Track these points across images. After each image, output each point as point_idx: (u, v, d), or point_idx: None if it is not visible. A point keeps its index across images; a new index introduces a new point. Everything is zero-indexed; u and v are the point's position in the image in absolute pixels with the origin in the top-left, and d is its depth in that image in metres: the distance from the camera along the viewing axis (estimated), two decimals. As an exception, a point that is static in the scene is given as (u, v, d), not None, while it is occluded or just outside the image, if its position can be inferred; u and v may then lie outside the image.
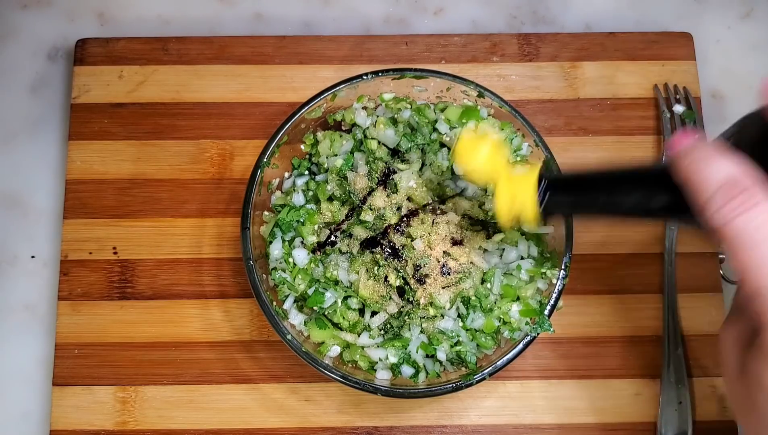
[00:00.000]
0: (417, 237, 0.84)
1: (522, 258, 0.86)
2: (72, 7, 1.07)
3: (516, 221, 0.75)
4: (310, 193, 0.89)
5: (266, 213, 0.90)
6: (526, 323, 0.84)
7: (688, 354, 0.94)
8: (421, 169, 0.87)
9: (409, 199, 0.87)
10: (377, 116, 0.90)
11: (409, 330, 0.84)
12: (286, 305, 0.86)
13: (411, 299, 0.84)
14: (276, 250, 0.87)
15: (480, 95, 0.89)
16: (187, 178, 0.99)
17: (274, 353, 0.94)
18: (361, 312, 0.86)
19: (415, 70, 0.89)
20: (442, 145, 0.89)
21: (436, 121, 0.89)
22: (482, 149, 0.76)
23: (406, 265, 0.84)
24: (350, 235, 0.86)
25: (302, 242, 0.87)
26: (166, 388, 0.93)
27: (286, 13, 1.08)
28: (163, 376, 0.93)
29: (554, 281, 0.84)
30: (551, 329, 0.83)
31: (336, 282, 0.85)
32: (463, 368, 0.85)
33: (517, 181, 0.74)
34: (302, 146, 0.92)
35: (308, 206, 0.88)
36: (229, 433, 0.92)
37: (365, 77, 0.89)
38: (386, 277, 0.84)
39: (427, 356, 0.85)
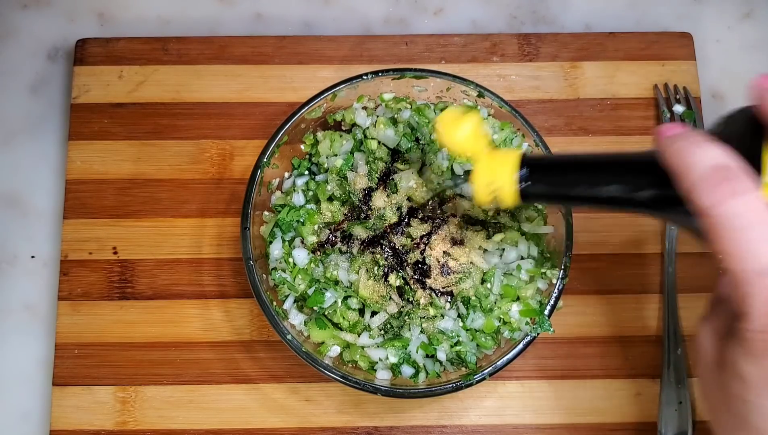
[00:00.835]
0: (417, 237, 0.84)
1: (522, 258, 0.86)
2: (72, 7, 1.07)
3: (493, 201, 0.73)
4: (310, 193, 0.89)
5: (266, 213, 0.90)
6: (526, 323, 0.84)
7: (688, 354, 0.94)
8: (421, 169, 0.87)
9: (409, 199, 0.87)
10: (377, 116, 0.90)
11: (409, 330, 0.84)
12: (286, 305, 0.86)
13: (411, 299, 0.84)
14: (276, 250, 0.87)
15: (480, 95, 0.89)
16: (187, 178, 0.99)
17: (274, 353, 0.94)
18: (361, 312, 0.86)
19: (415, 70, 0.89)
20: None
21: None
22: (464, 125, 0.75)
23: (406, 265, 0.84)
24: (350, 235, 0.86)
25: (302, 242, 0.87)
26: (166, 388, 0.93)
27: (286, 13, 1.08)
28: (163, 376, 0.93)
29: (554, 281, 0.84)
30: (551, 329, 0.83)
31: (336, 282, 0.85)
32: (463, 368, 0.85)
33: (497, 160, 0.72)
34: (302, 146, 0.92)
35: (308, 206, 0.88)
36: (229, 433, 0.92)
37: (365, 77, 0.89)
38: (386, 277, 0.84)
39: (427, 356, 0.85)
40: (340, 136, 0.90)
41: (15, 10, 1.07)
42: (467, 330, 0.85)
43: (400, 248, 0.85)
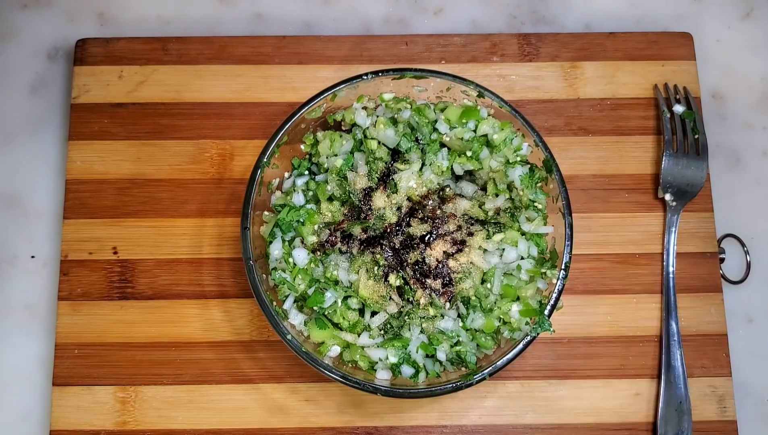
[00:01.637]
0: (417, 237, 0.84)
1: (522, 258, 0.86)
2: (72, 7, 1.07)
3: None
4: (310, 193, 0.89)
5: (266, 213, 0.90)
6: (526, 323, 0.84)
7: (688, 354, 0.94)
8: (421, 169, 0.87)
9: (409, 199, 0.87)
10: (377, 116, 0.90)
11: (409, 330, 0.84)
12: (286, 305, 0.86)
13: (411, 299, 0.84)
14: (276, 250, 0.87)
15: (480, 95, 0.89)
16: (187, 178, 0.99)
17: (274, 353, 0.94)
18: (361, 312, 0.86)
19: (415, 70, 0.89)
20: (442, 145, 0.89)
21: (436, 121, 0.89)
22: None
23: (406, 265, 0.84)
24: (350, 235, 0.86)
25: (302, 242, 0.87)
26: (166, 388, 0.93)
27: (286, 13, 1.08)
28: (163, 376, 0.93)
29: (554, 281, 0.84)
30: (551, 329, 0.83)
31: (336, 282, 0.85)
32: (463, 368, 0.85)
33: None
34: (302, 146, 0.92)
35: (308, 206, 0.88)
36: (229, 433, 0.92)
37: (365, 77, 0.89)
38: (386, 277, 0.84)
39: (427, 356, 0.85)
40: (340, 136, 0.90)
41: (15, 10, 1.07)
42: (467, 330, 0.85)
43: (400, 248, 0.85)
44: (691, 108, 1.00)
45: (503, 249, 0.86)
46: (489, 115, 0.90)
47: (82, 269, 0.96)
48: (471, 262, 0.84)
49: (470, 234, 0.86)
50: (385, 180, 0.87)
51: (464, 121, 0.88)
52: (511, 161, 0.87)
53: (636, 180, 0.99)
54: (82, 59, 1.02)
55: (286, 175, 0.92)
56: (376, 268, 0.84)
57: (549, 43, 1.04)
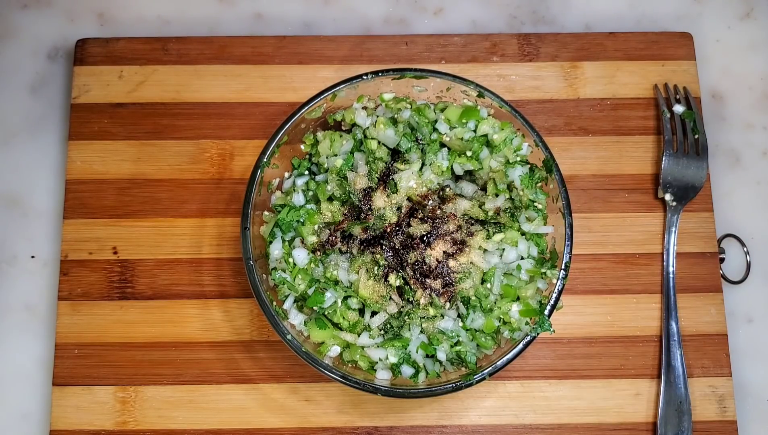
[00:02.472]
0: (417, 237, 0.84)
1: (522, 258, 0.86)
2: (72, 7, 1.07)
3: None
4: (310, 193, 0.89)
5: (266, 213, 0.90)
6: (526, 323, 0.84)
7: (688, 354, 0.94)
8: (421, 169, 0.87)
9: (409, 199, 0.87)
10: (377, 116, 0.90)
11: (409, 330, 0.84)
12: (286, 305, 0.86)
13: (411, 299, 0.84)
14: (276, 250, 0.87)
15: (480, 95, 0.89)
16: (187, 178, 0.99)
17: (274, 353, 0.94)
18: (361, 312, 0.86)
19: (415, 70, 0.89)
20: (442, 145, 0.89)
21: (436, 121, 0.89)
22: None
23: (406, 265, 0.84)
24: (350, 235, 0.86)
25: (302, 242, 0.87)
26: (166, 388, 0.93)
27: (286, 13, 1.08)
28: (163, 376, 0.93)
29: (554, 281, 0.84)
30: (551, 329, 0.83)
31: (336, 282, 0.85)
32: (463, 368, 0.85)
33: None
34: (302, 146, 0.92)
35: (308, 206, 0.88)
36: (229, 433, 0.92)
37: (365, 77, 0.89)
38: (386, 277, 0.84)
39: (427, 356, 0.85)
40: (340, 136, 0.90)
41: (15, 10, 1.07)
42: (467, 330, 0.84)
43: (400, 248, 0.85)
44: (691, 108, 1.00)
45: (503, 249, 0.86)
46: (489, 115, 0.90)
47: (82, 269, 0.96)
48: (471, 262, 0.84)
49: (470, 234, 0.86)
50: (385, 180, 0.87)
51: (464, 121, 0.88)
52: (511, 161, 0.87)
53: (636, 180, 0.99)
54: (82, 59, 1.02)
55: (286, 175, 0.92)
56: (376, 268, 0.84)
57: (549, 43, 1.04)
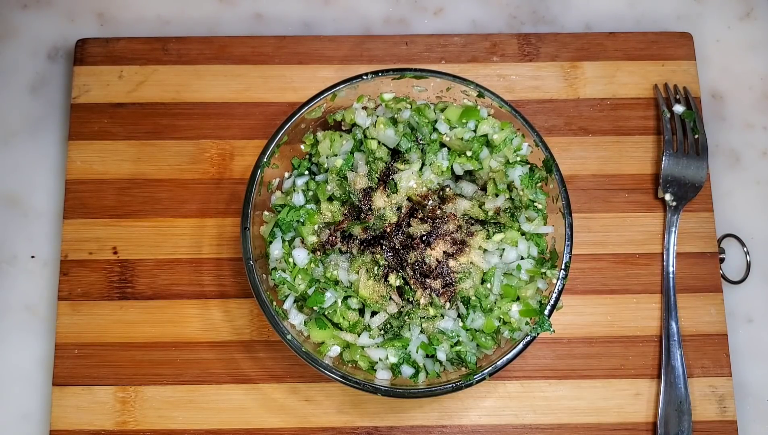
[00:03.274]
0: (417, 237, 0.84)
1: (522, 258, 0.86)
2: (72, 7, 1.07)
3: None
4: (310, 193, 0.89)
5: (266, 213, 0.90)
6: (526, 323, 0.84)
7: (688, 354, 0.94)
8: (421, 169, 0.87)
9: (409, 199, 0.87)
10: (377, 116, 0.90)
11: (409, 330, 0.84)
12: (286, 305, 0.86)
13: (411, 299, 0.84)
14: (276, 250, 0.87)
15: (480, 95, 0.89)
16: (187, 178, 0.99)
17: (274, 353, 0.94)
18: (361, 312, 0.86)
19: (415, 70, 0.89)
20: (442, 145, 0.89)
21: (436, 121, 0.89)
22: None
23: (406, 265, 0.84)
24: (350, 235, 0.86)
25: (302, 242, 0.87)
26: (166, 388, 0.93)
27: (286, 13, 1.08)
28: (163, 376, 0.93)
29: (554, 281, 0.84)
30: (551, 329, 0.83)
31: (336, 282, 0.85)
32: (463, 368, 0.85)
33: None
34: (302, 146, 0.92)
35: (308, 206, 0.88)
36: (229, 433, 0.92)
37: (365, 77, 0.89)
38: (386, 277, 0.84)
39: (427, 356, 0.85)
40: (340, 136, 0.90)
41: (15, 10, 1.07)
42: (467, 330, 0.84)
43: (400, 248, 0.85)
44: (691, 108, 1.00)
45: (503, 249, 0.86)
46: (489, 115, 0.90)
47: (82, 269, 0.96)
48: (471, 262, 0.84)
49: (470, 234, 0.86)
50: (385, 180, 0.87)
51: (464, 121, 0.88)
52: (511, 161, 0.87)
53: (636, 180, 0.99)
54: (82, 59, 1.02)
55: (286, 175, 0.92)
56: (376, 268, 0.84)
57: (549, 43, 1.04)
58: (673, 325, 0.94)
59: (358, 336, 0.85)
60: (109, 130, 1.00)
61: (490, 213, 0.86)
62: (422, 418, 0.93)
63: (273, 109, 1.01)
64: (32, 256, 0.99)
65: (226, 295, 0.96)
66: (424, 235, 0.84)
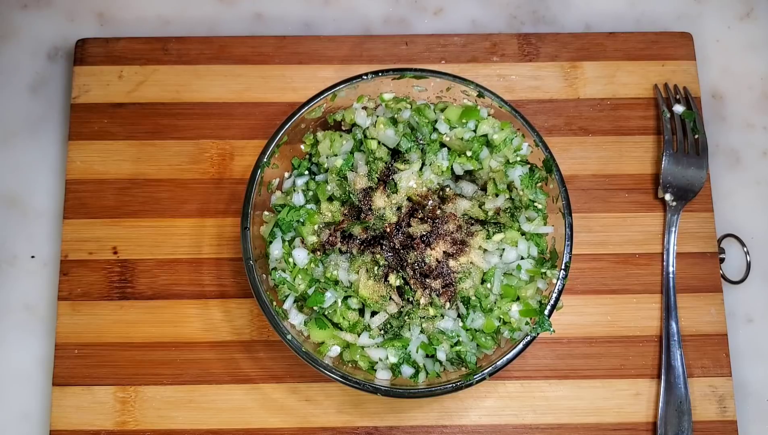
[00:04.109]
0: (417, 237, 0.84)
1: (522, 258, 0.86)
2: (72, 7, 1.07)
3: None
4: (310, 193, 0.89)
5: (266, 213, 0.90)
6: (526, 323, 0.84)
7: (688, 354, 0.94)
8: (421, 169, 0.87)
9: (409, 199, 0.87)
10: (377, 116, 0.90)
11: (409, 330, 0.84)
12: (286, 305, 0.86)
13: (411, 299, 0.84)
14: (276, 250, 0.87)
15: (480, 95, 0.89)
16: (187, 178, 0.99)
17: (274, 353, 0.94)
18: (361, 312, 0.86)
19: (415, 70, 0.89)
20: (442, 145, 0.89)
21: (436, 121, 0.89)
22: None
23: (406, 265, 0.84)
24: (350, 235, 0.86)
25: (302, 242, 0.87)
26: (166, 388, 0.93)
27: (286, 13, 1.08)
28: (163, 376, 0.93)
29: (554, 281, 0.84)
30: (551, 329, 0.83)
31: (336, 282, 0.85)
32: (463, 368, 0.85)
33: None
34: (302, 146, 0.92)
35: (308, 206, 0.88)
36: (229, 433, 0.92)
37: (365, 77, 0.89)
38: (386, 277, 0.84)
39: (427, 356, 0.85)
40: (340, 136, 0.90)
41: (15, 10, 1.07)
42: (467, 330, 0.84)
43: (400, 248, 0.85)
44: (691, 108, 1.00)
45: (503, 249, 0.86)
46: (489, 115, 0.90)
47: (82, 269, 0.96)
48: (471, 262, 0.84)
49: (470, 234, 0.86)
50: (385, 180, 0.87)
51: (464, 121, 0.88)
52: (511, 161, 0.87)
53: (636, 180, 0.99)
54: (82, 59, 1.02)
55: (286, 175, 0.92)
56: (376, 268, 0.84)
57: (549, 43, 1.04)
58: (673, 325, 0.94)
59: (358, 336, 0.85)
60: (109, 130, 1.00)
61: (490, 213, 0.86)
62: (422, 418, 0.93)
63: (273, 109, 1.01)
64: (32, 256, 0.99)
65: (226, 295, 0.96)
66: (424, 235, 0.84)
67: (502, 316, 0.84)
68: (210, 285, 0.96)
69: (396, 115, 0.89)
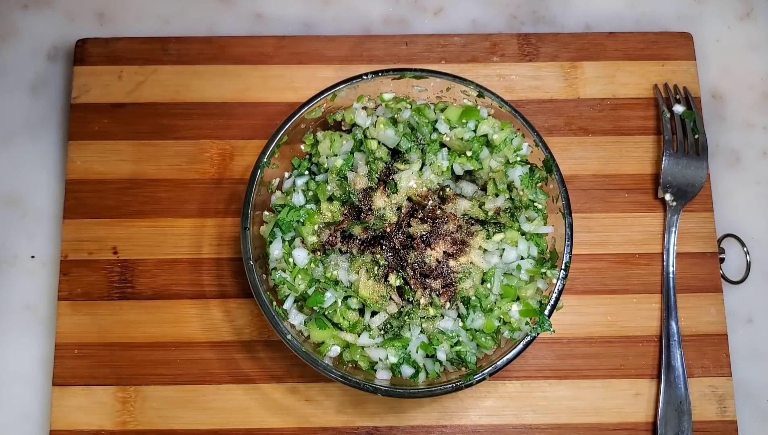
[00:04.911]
0: (417, 237, 0.84)
1: (522, 258, 0.86)
2: (72, 7, 1.07)
3: None
4: (310, 193, 0.89)
5: (266, 213, 0.90)
6: (526, 323, 0.84)
7: (688, 354, 0.94)
8: (421, 169, 0.87)
9: (409, 199, 0.87)
10: (377, 116, 0.90)
11: (409, 330, 0.84)
12: (286, 305, 0.86)
13: (411, 299, 0.84)
14: (276, 250, 0.87)
15: (480, 95, 0.89)
16: (187, 178, 0.99)
17: (274, 353, 0.94)
18: (361, 312, 0.86)
19: (415, 70, 0.89)
20: (442, 145, 0.89)
21: (436, 121, 0.89)
22: None
23: (406, 265, 0.84)
24: (350, 235, 0.86)
25: (302, 242, 0.87)
26: (166, 388, 0.93)
27: (285, 13, 1.08)
28: (163, 376, 0.93)
29: (554, 281, 0.84)
30: (551, 329, 0.83)
31: (336, 282, 0.85)
32: (463, 368, 0.85)
33: None
34: (302, 146, 0.92)
35: (308, 206, 0.88)
36: (229, 433, 0.92)
37: (365, 77, 0.89)
38: (386, 277, 0.84)
39: (427, 356, 0.85)
40: (340, 136, 0.90)
41: (15, 10, 1.07)
42: (467, 330, 0.84)
43: (400, 248, 0.85)
44: (691, 108, 1.00)
45: (503, 249, 0.86)
46: (489, 115, 0.90)
47: (82, 269, 0.96)
48: (471, 262, 0.84)
49: (470, 234, 0.86)
50: (385, 180, 0.87)
51: (464, 121, 0.88)
52: (511, 161, 0.87)
53: (636, 180, 0.99)
54: (82, 59, 1.02)
55: (286, 175, 0.92)
56: (376, 268, 0.84)
57: (549, 43, 1.04)
58: (673, 325, 0.94)
59: (358, 336, 0.85)
60: (109, 130, 1.00)
61: (490, 213, 0.86)
62: (422, 418, 0.93)
63: (273, 109, 1.01)
64: (32, 256, 0.99)
65: (226, 295, 0.96)
66: (424, 235, 0.84)
67: (502, 316, 0.84)
68: (210, 285, 0.96)
69: (396, 115, 0.89)
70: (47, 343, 0.96)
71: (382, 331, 0.85)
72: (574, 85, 1.02)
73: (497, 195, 0.87)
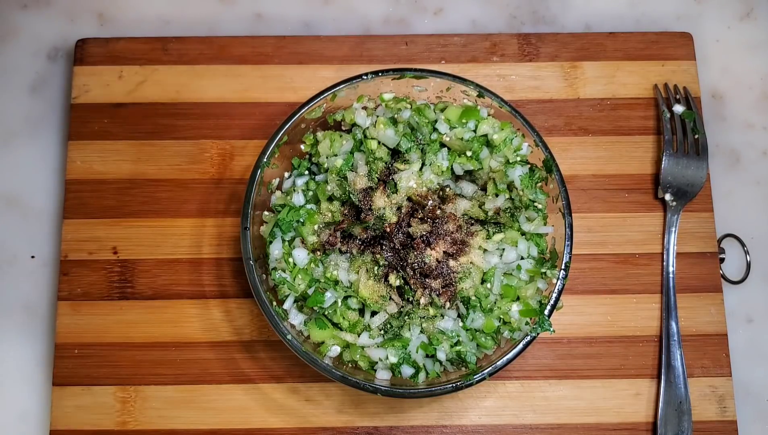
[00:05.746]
0: (417, 237, 0.84)
1: (522, 258, 0.86)
2: (72, 7, 1.07)
3: None
4: (310, 193, 0.89)
5: (266, 213, 0.90)
6: (526, 323, 0.84)
7: (687, 354, 0.94)
8: (421, 169, 0.87)
9: (409, 199, 0.87)
10: (377, 116, 0.90)
11: (409, 330, 0.84)
12: (286, 305, 0.86)
13: (411, 299, 0.84)
14: (276, 250, 0.87)
15: (480, 95, 0.89)
16: (187, 178, 0.99)
17: (274, 353, 0.94)
18: (361, 312, 0.86)
19: (415, 70, 0.89)
20: (442, 145, 0.89)
21: (436, 121, 0.89)
22: None
23: (406, 265, 0.84)
24: (350, 235, 0.86)
25: (302, 242, 0.87)
26: (166, 388, 0.93)
27: (285, 13, 1.08)
28: (163, 376, 0.93)
29: (554, 281, 0.84)
30: (551, 329, 0.83)
31: (336, 282, 0.85)
32: (463, 368, 0.85)
33: None
34: (302, 146, 0.92)
35: (308, 206, 0.88)
36: (229, 433, 0.92)
37: (365, 77, 0.89)
38: (386, 277, 0.84)
39: (427, 356, 0.85)
40: (340, 136, 0.90)
41: (15, 10, 1.07)
42: (467, 330, 0.84)
43: (400, 248, 0.85)
44: (691, 108, 1.00)
45: (503, 249, 0.86)
46: (489, 115, 0.90)
47: (82, 269, 0.96)
48: (471, 262, 0.84)
49: (470, 234, 0.86)
50: (385, 180, 0.87)
51: (464, 121, 0.88)
52: (511, 161, 0.87)
53: (636, 180, 1.00)
54: (82, 59, 1.02)
55: (286, 175, 0.92)
56: (376, 268, 0.84)
57: (549, 43, 1.04)
58: (673, 325, 0.94)
59: (358, 336, 0.85)
60: (109, 130, 1.00)
61: (490, 213, 0.86)
62: (422, 418, 0.93)
63: (273, 109, 1.01)
64: (32, 256, 0.99)
65: (226, 295, 0.96)
66: (424, 235, 0.84)
67: (502, 316, 0.84)
68: (210, 285, 0.96)
69: (396, 115, 0.89)
70: (47, 343, 0.96)
71: (382, 331, 0.85)
72: (574, 85, 1.02)
73: (497, 195, 0.87)
